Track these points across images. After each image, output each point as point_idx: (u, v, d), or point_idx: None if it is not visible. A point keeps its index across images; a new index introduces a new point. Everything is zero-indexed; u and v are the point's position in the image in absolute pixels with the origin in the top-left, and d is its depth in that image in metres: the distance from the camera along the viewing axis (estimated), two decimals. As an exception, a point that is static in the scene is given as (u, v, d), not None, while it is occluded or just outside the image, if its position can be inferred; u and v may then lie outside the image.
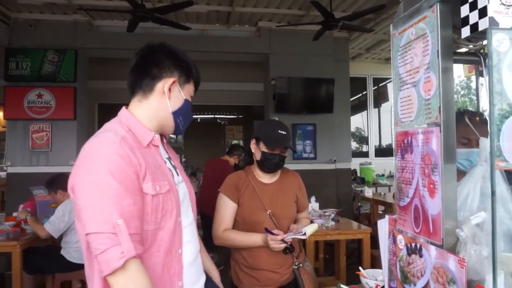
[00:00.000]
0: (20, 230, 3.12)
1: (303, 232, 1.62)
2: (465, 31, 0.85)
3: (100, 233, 0.88)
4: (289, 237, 1.61)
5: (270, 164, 1.76)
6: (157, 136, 1.11)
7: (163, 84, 1.09)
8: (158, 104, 1.10)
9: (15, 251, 2.91)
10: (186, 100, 1.14)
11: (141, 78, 1.10)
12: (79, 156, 0.97)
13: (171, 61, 1.11)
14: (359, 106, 8.15)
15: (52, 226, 2.96)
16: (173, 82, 1.10)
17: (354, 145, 8.45)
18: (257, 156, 1.79)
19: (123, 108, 1.13)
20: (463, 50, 1.17)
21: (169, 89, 1.10)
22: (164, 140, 1.21)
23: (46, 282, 3.34)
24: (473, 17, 0.82)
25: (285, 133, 1.77)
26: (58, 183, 3.22)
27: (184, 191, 1.16)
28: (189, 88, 1.16)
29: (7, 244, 2.94)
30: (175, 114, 1.12)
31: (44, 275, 3.32)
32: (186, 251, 1.10)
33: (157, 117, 1.11)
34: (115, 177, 0.91)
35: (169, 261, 1.05)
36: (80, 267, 3.11)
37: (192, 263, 1.13)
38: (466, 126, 0.93)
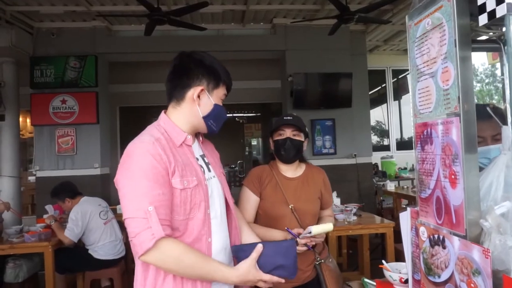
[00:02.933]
0: (51, 231, 3.25)
1: (309, 231, 1.58)
2: (483, 19, 0.84)
3: (134, 218, 1.04)
4: (301, 237, 1.60)
5: (283, 150, 1.75)
6: (190, 137, 1.23)
7: (192, 93, 1.21)
8: (190, 110, 1.22)
9: (47, 251, 3.04)
10: (215, 105, 1.24)
11: (174, 87, 1.23)
12: (122, 155, 1.14)
13: (199, 69, 1.22)
14: (379, 99, 8.02)
15: (71, 232, 3.09)
16: (201, 90, 1.21)
17: (375, 138, 8.33)
18: (272, 148, 1.81)
19: (162, 112, 1.27)
20: (483, 37, 1.14)
21: (198, 96, 1.21)
22: (201, 138, 1.33)
23: (77, 281, 3.47)
24: (490, 4, 0.81)
25: (290, 117, 1.77)
26: (64, 191, 3.32)
27: (215, 185, 1.26)
28: (219, 92, 1.25)
29: (39, 245, 3.08)
30: (206, 118, 1.23)
31: (74, 274, 3.45)
32: (215, 239, 1.20)
33: (190, 121, 1.23)
34: (147, 172, 1.07)
35: (199, 248, 1.15)
36: (108, 263, 3.22)
37: (220, 251, 1.22)
38: (478, 123, 0.92)
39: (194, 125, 1.24)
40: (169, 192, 1.10)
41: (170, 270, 1.08)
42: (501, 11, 0.78)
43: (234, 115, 11.71)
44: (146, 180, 1.06)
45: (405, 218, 1.24)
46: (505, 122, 1.35)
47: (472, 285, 0.89)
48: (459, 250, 0.93)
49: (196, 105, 1.21)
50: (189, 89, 1.21)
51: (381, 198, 5.34)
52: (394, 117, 7.87)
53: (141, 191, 1.05)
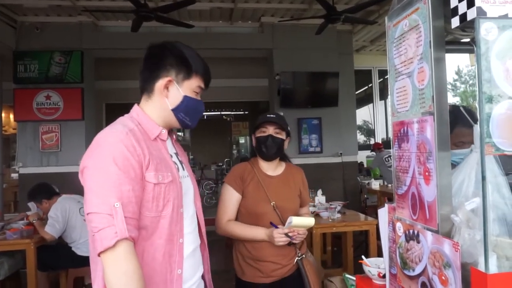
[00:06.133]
0: (33, 229, 3.20)
1: (290, 221, 1.60)
2: (455, 22, 0.87)
3: (98, 213, 0.96)
4: (285, 228, 1.63)
5: (264, 147, 1.77)
6: (165, 131, 1.17)
7: (160, 84, 1.14)
8: (159, 103, 1.16)
9: (29, 249, 3.00)
10: (185, 97, 1.16)
11: (144, 79, 1.17)
12: (91, 144, 1.06)
13: (168, 60, 1.15)
14: (365, 99, 8.13)
15: (52, 228, 3.07)
16: (169, 81, 1.14)
17: (361, 138, 8.44)
18: (254, 144, 1.83)
19: (135, 105, 1.20)
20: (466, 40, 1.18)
21: (167, 88, 1.15)
22: (174, 137, 1.27)
23: (60, 279, 3.43)
24: (462, 7, 0.84)
25: (273, 115, 1.80)
26: (40, 193, 3.30)
27: (188, 185, 1.21)
28: (191, 83, 1.17)
29: (21, 242, 3.03)
30: (175, 110, 1.16)
31: (56, 271, 3.41)
32: (187, 242, 1.15)
33: (161, 114, 1.16)
34: (118, 164, 0.99)
35: (170, 249, 1.10)
36: (92, 261, 3.19)
37: (190, 255, 1.17)
38: (460, 128, 0.96)
39: (165, 119, 1.17)
40: (140, 189, 1.02)
41: (109, 280, 0.95)
42: (471, 14, 0.81)
43: (222, 113, 11.70)
44: (116, 173, 0.98)
45: (383, 214, 1.27)
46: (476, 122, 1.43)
47: (443, 277, 0.92)
48: (431, 244, 0.97)
49: (164, 97, 1.15)
50: (158, 80, 1.14)
51: (365, 196, 5.42)
52: (380, 116, 7.99)
53: (109, 185, 0.97)
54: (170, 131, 1.24)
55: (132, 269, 0.96)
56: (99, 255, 0.97)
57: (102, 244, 0.95)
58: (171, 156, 1.18)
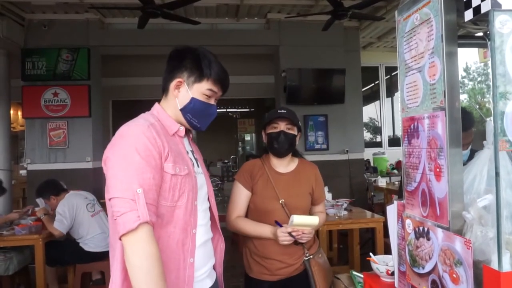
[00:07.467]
0: (42, 224, 3.23)
1: (292, 220, 1.58)
2: (468, 14, 0.85)
3: (121, 198, 1.02)
4: (288, 227, 1.61)
5: (276, 143, 1.74)
6: (182, 128, 1.26)
7: (173, 84, 1.23)
8: (172, 102, 1.24)
9: (37, 244, 3.03)
10: (193, 98, 1.23)
11: (164, 79, 1.26)
12: (114, 136, 1.13)
13: (183, 62, 1.23)
14: (372, 96, 8.07)
15: (61, 224, 3.11)
16: (179, 82, 1.22)
17: (368, 135, 8.38)
18: (266, 141, 1.80)
19: (156, 103, 1.28)
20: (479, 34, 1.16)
21: (178, 88, 1.23)
22: (190, 135, 1.35)
23: (68, 274, 3.46)
24: (476, 0, 0.82)
25: (284, 111, 1.77)
26: (48, 190, 3.34)
27: (202, 181, 1.27)
28: (201, 87, 1.23)
29: (30, 238, 3.06)
30: (183, 111, 1.24)
31: (64, 267, 3.44)
32: (199, 232, 1.21)
33: (173, 113, 1.25)
34: (140, 153, 1.06)
35: (184, 238, 1.16)
36: (99, 256, 3.22)
37: (202, 246, 1.23)
38: None
39: (177, 118, 1.25)
40: (159, 178, 1.09)
41: (132, 262, 1.00)
42: (485, 6, 0.79)
43: (228, 110, 11.70)
44: (138, 161, 1.05)
45: (392, 211, 1.26)
46: (469, 125, 1.46)
47: (454, 275, 0.91)
48: (442, 241, 0.95)
49: (175, 96, 1.23)
50: (172, 80, 1.23)
51: (372, 193, 5.39)
52: (386, 114, 7.93)
53: (132, 172, 1.04)
54: (187, 130, 1.31)
55: (152, 251, 1.01)
56: (120, 238, 1.02)
57: (124, 227, 1.00)
58: (188, 152, 1.25)
